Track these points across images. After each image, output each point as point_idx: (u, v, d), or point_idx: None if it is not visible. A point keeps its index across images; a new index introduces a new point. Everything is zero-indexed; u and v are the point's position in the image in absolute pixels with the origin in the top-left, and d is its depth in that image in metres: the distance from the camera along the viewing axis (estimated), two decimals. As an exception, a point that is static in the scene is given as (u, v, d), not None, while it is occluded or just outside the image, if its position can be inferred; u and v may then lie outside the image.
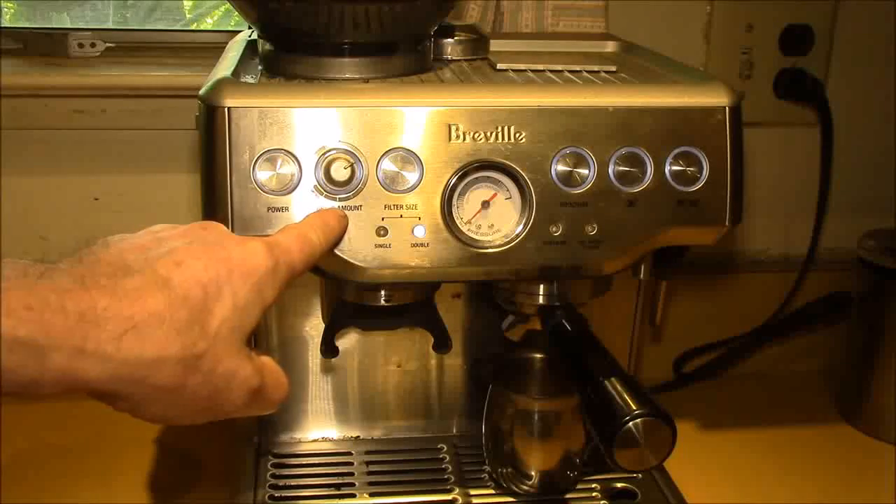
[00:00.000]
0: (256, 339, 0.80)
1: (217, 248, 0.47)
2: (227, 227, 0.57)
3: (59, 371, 0.40)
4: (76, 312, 0.40)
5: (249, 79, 0.66)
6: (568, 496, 0.78)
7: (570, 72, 0.69)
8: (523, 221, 0.60)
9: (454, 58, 0.74)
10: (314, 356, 0.83)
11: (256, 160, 0.57)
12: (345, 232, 0.57)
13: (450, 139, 0.59)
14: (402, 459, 0.83)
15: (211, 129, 0.57)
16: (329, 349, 0.74)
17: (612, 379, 0.60)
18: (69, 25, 1.05)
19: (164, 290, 0.43)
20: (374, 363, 0.84)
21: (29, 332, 0.38)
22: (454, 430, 0.87)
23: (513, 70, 0.70)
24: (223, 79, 0.60)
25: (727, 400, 1.01)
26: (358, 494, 0.77)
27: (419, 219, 0.59)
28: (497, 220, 0.60)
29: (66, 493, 0.82)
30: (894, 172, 1.06)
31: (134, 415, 0.45)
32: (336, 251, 0.58)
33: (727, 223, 0.62)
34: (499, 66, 0.70)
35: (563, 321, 0.67)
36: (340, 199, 0.58)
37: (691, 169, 0.61)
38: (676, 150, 0.61)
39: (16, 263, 0.40)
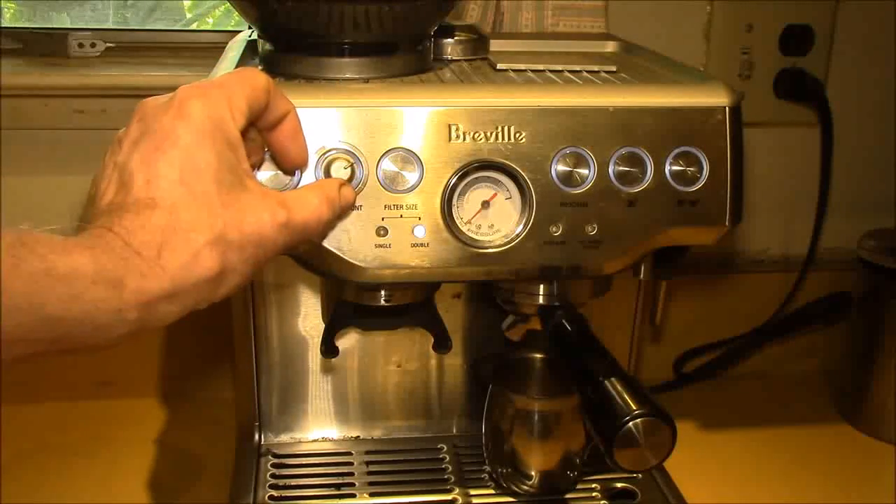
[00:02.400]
0: (257, 339, 0.81)
1: (163, 139, 0.48)
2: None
3: (135, 294, 0.44)
4: (120, 248, 0.44)
5: (249, 79, 0.66)
6: (568, 496, 0.78)
7: (570, 72, 0.69)
8: (523, 221, 0.60)
9: (454, 58, 0.74)
10: (314, 356, 0.83)
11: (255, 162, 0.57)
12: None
13: (450, 139, 0.59)
14: (402, 459, 0.83)
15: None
16: (329, 349, 0.74)
17: (612, 379, 0.60)
18: (69, 25, 1.05)
19: (155, 210, 0.46)
20: (374, 363, 0.84)
21: (103, 265, 0.43)
22: (454, 430, 0.87)
23: (513, 70, 0.70)
24: (223, 79, 0.60)
25: (727, 400, 1.01)
26: (358, 494, 0.78)
27: (419, 219, 0.59)
28: (497, 220, 0.60)
29: (66, 493, 0.82)
30: (894, 172, 1.06)
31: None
32: (336, 251, 0.58)
33: (727, 223, 0.62)
34: (499, 66, 0.70)
35: (563, 321, 0.67)
36: (340, 199, 0.58)
37: (691, 169, 0.61)
38: (676, 150, 0.61)
39: (50, 229, 0.44)
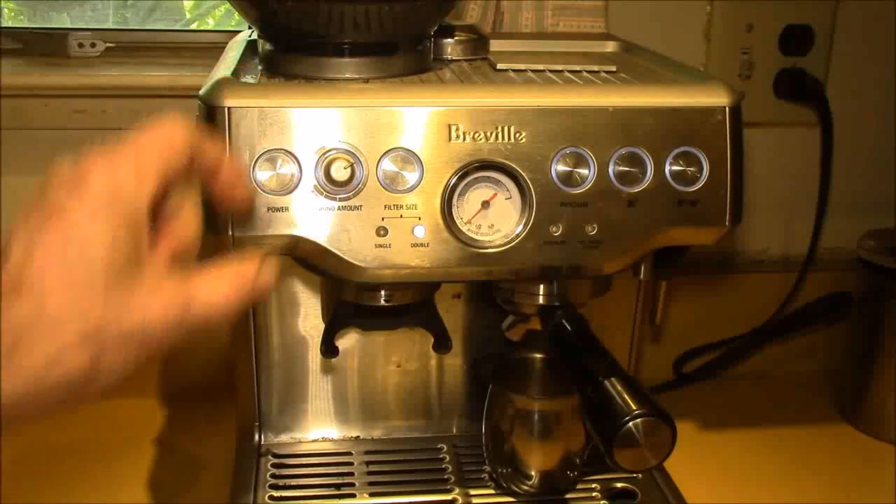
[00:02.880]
0: (257, 339, 0.81)
1: (53, 212, 0.43)
2: (227, 227, 0.57)
3: None
4: None
5: (249, 79, 0.66)
6: (568, 496, 0.78)
7: (570, 72, 0.69)
8: (523, 221, 0.60)
9: (454, 58, 0.74)
10: (314, 356, 0.83)
11: (256, 160, 0.57)
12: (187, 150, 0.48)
13: (450, 139, 0.59)
14: (402, 459, 0.83)
15: (211, 129, 0.57)
16: (329, 349, 0.74)
17: (612, 379, 0.60)
18: (69, 25, 1.05)
19: (22, 297, 0.40)
20: (374, 363, 0.84)
21: None
22: (454, 430, 0.87)
23: (513, 70, 0.70)
24: (223, 79, 0.60)
25: (727, 400, 1.01)
26: (358, 494, 0.77)
27: (419, 219, 0.59)
28: (497, 220, 0.60)
29: (66, 493, 0.82)
30: (894, 172, 1.06)
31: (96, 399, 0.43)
32: (336, 251, 0.58)
33: (727, 223, 0.62)
34: (499, 66, 0.70)
35: (563, 321, 0.67)
36: (340, 199, 0.58)
37: (691, 169, 0.61)
38: (676, 150, 0.61)
39: None
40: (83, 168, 0.44)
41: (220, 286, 0.46)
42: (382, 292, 0.69)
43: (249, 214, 0.56)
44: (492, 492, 0.78)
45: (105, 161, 0.44)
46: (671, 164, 0.61)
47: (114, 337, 0.42)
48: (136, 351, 0.43)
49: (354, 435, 0.86)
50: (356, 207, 0.58)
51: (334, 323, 0.74)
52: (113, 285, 0.42)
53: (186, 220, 0.49)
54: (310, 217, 0.58)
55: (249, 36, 0.78)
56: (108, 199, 0.43)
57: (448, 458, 0.83)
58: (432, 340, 0.76)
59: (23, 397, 0.40)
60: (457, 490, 0.78)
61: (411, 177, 0.59)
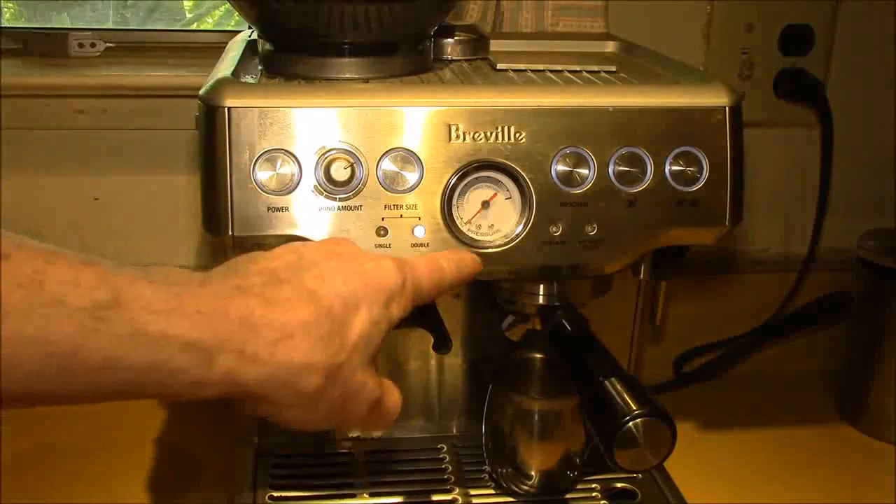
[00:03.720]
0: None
1: (353, 263, 0.49)
2: (228, 227, 0.58)
3: (224, 372, 0.42)
4: (238, 318, 0.42)
5: (249, 79, 0.66)
6: (568, 496, 0.78)
7: (570, 72, 0.69)
8: (523, 221, 0.60)
9: (454, 58, 0.74)
10: (314, 356, 0.83)
11: (256, 160, 0.57)
12: (476, 273, 0.57)
13: (450, 139, 0.59)
14: (402, 459, 0.83)
15: (211, 129, 0.57)
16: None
17: (612, 379, 0.60)
18: (69, 25, 1.05)
19: (311, 302, 0.45)
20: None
21: (200, 334, 0.41)
22: (454, 430, 0.87)
23: (513, 70, 0.70)
24: (223, 79, 0.60)
25: (727, 400, 1.01)
26: (358, 494, 0.77)
27: (419, 219, 0.59)
28: (497, 220, 0.60)
29: (66, 493, 0.82)
30: (894, 172, 1.06)
31: (272, 419, 0.47)
32: (336, 251, 0.58)
33: (727, 223, 0.62)
34: (499, 66, 0.70)
35: (563, 321, 0.67)
36: (340, 199, 0.58)
37: (691, 169, 0.61)
38: (676, 150, 0.61)
39: (180, 271, 0.43)
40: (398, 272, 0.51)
41: (393, 407, 0.54)
42: (382, 292, 0.69)
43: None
44: (492, 492, 0.78)
45: (401, 291, 0.51)
46: (671, 164, 0.61)
47: (340, 383, 0.47)
48: (343, 407, 0.48)
49: (354, 435, 0.86)
50: (356, 207, 0.58)
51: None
52: (358, 352, 0.48)
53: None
54: (310, 217, 0.58)
55: (249, 36, 0.78)
56: (386, 300, 0.50)
57: (448, 458, 0.83)
58: (432, 340, 0.76)
59: (260, 382, 0.43)
60: (457, 490, 0.78)
61: (411, 177, 0.59)
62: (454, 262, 0.55)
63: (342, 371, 0.47)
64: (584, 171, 0.60)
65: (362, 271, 0.49)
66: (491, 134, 0.59)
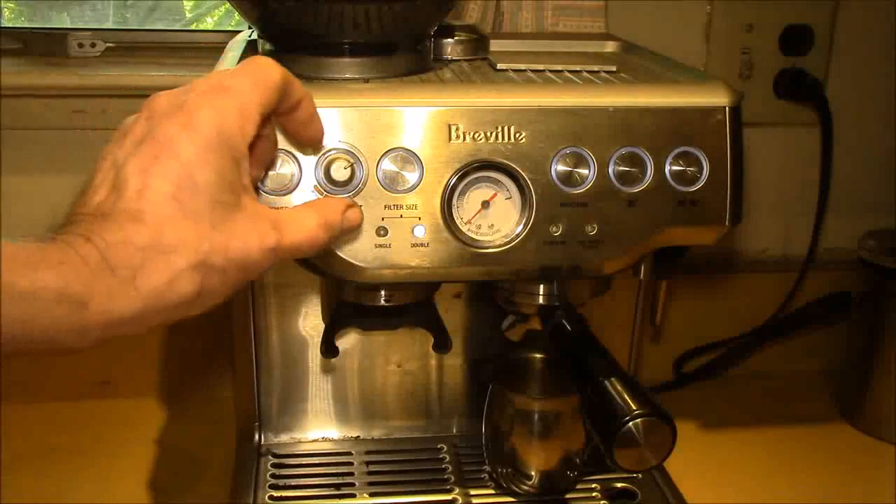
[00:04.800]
0: (257, 339, 0.81)
1: (164, 148, 0.46)
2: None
3: (100, 314, 0.42)
4: (94, 263, 0.42)
5: (249, 79, 0.66)
6: (568, 496, 0.78)
7: (570, 72, 0.69)
8: (523, 221, 0.60)
9: (454, 58, 0.74)
10: (314, 356, 0.83)
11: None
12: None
13: (450, 139, 0.59)
14: (402, 459, 0.83)
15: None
16: (329, 349, 0.74)
17: (612, 379, 0.60)
18: (69, 25, 1.05)
19: (140, 225, 0.44)
20: (374, 363, 0.84)
21: (67, 283, 0.41)
22: (454, 430, 0.87)
23: (513, 70, 0.70)
24: (223, 79, 0.60)
25: (727, 400, 1.01)
26: (358, 494, 0.78)
27: (419, 219, 0.59)
28: (497, 220, 0.60)
29: (66, 493, 0.82)
30: (894, 172, 1.06)
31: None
32: (336, 251, 0.58)
33: (727, 223, 0.62)
34: (499, 66, 0.70)
35: (563, 321, 0.67)
36: (340, 199, 0.58)
37: (691, 169, 0.61)
38: (676, 150, 0.61)
39: (34, 234, 0.43)
40: (190, 105, 0.47)
41: (308, 220, 0.51)
42: (382, 292, 0.69)
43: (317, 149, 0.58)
44: (492, 492, 0.78)
45: (211, 103, 0.47)
46: (671, 164, 0.61)
47: (219, 265, 0.46)
48: (236, 277, 0.47)
49: (354, 435, 0.86)
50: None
51: (334, 323, 0.74)
52: (219, 219, 0.46)
53: (268, 146, 0.53)
54: (310, 217, 0.58)
55: (249, 36, 0.78)
56: (217, 138, 0.46)
57: (448, 458, 0.83)
58: (432, 340, 0.76)
59: (136, 317, 0.43)
60: (457, 490, 0.78)
61: (411, 177, 0.59)
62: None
63: (212, 257, 0.45)
64: (584, 171, 0.60)
65: (177, 152, 0.45)
66: (491, 134, 0.59)
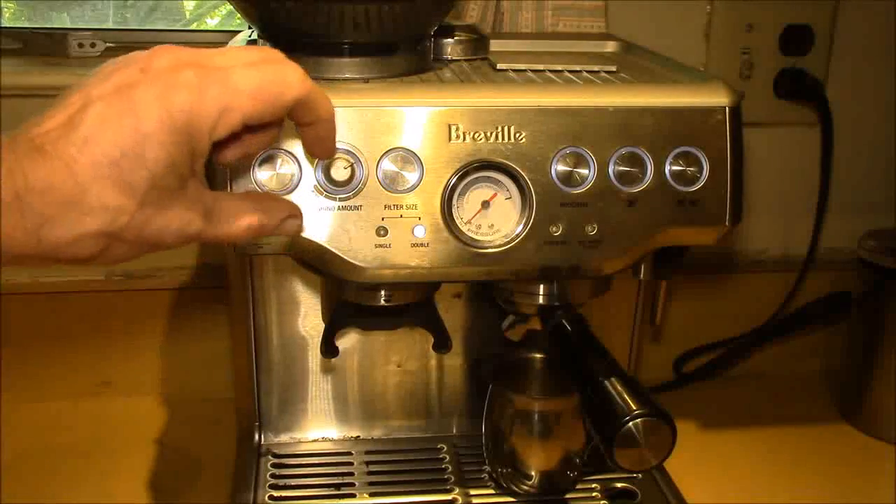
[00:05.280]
0: (257, 339, 0.81)
1: (131, 110, 0.43)
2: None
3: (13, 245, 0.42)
4: (8, 200, 0.41)
5: (249, 79, 0.66)
6: (568, 496, 0.78)
7: (570, 72, 0.69)
8: (523, 221, 0.60)
9: (454, 58, 0.74)
10: (314, 356, 0.83)
11: (256, 160, 0.57)
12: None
13: (450, 139, 0.59)
14: (402, 459, 0.83)
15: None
16: (329, 349, 0.74)
17: (612, 379, 0.60)
18: (69, 25, 1.05)
19: (69, 174, 0.42)
20: (374, 363, 0.84)
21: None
22: (454, 430, 0.87)
23: (513, 70, 0.70)
24: (223, 79, 0.60)
25: (727, 400, 1.01)
26: (358, 494, 0.78)
27: (419, 219, 0.59)
28: (497, 220, 0.60)
29: (66, 493, 0.82)
30: (894, 172, 1.06)
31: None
32: (336, 251, 0.58)
33: (727, 223, 0.62)
34: (499, 66, 0.70)
35: (563, 321, 0.67)
36: (340, 199, 0.58)
37: (691, 169, 0.61)
38: (676, 150, 0.61)
39: None
40: (180, 80, 0.44)
41: (243, 217, 0.49)
42: (382, 292, 0.69)
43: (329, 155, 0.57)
44: (492, 492, 0.78)
45: (197, 86, 0.44)
46: (671, 163, 0.61)
47: (129, 239, 0.44)
48: (143, 250, 0.46)
49: (354, 435, 0.86)
50: (356, 207, 0.58)
51: (334, 323, 0.74)
52: (152, 199, 0.44)
53: (264, 139, 0.51)
54: (310, 217, 0.58)
55: (249, 36, 0.78)
56: (184, 127, 0.43)
57: (448, 458, 0.83)
58: (432, 340, 0.76)
59: (22, 256, 0.42)
60: (457, 490, 0.78)
61: (411, 177, 0.59)
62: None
63: (127, 230, 0.44)
64: (584, 171, 0.60)
65: (136, 125, 0.43)
66: (491, 134, 0.59)
